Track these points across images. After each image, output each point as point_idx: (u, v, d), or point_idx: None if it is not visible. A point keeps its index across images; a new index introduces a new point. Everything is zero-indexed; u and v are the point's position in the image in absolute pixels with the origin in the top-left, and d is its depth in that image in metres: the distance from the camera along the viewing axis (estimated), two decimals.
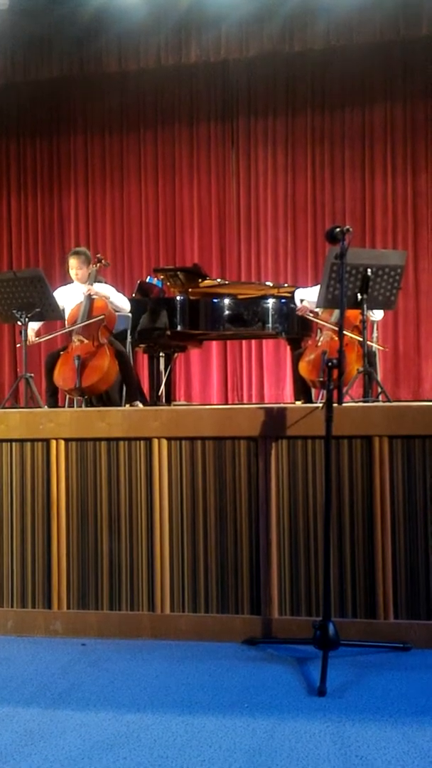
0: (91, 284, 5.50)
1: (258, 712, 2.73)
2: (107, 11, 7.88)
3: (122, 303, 5.62)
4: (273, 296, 6.37)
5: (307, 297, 5.78)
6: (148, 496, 3.64)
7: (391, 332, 8.64)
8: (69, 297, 5.62)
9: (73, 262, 5.70)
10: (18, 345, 5.01)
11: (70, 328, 5.31)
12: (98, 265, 5.62)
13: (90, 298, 5.38)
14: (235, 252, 9.21)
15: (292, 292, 6.15)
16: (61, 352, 5.38)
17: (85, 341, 5.26)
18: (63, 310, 5.53)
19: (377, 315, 5.63)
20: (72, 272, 5.70)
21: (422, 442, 3.43)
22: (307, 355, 5.49)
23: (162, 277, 6.70)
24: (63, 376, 5.21)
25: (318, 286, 5.10)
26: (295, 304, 5.95)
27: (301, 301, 5.82)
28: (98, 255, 5.75)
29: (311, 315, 5.61)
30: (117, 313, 5.57)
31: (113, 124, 9.49)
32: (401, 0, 7.63)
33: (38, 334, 5.72)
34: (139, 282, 6.78)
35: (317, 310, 5.47)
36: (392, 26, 7.77)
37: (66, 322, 5.49)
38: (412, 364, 8.70)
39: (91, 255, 5.77)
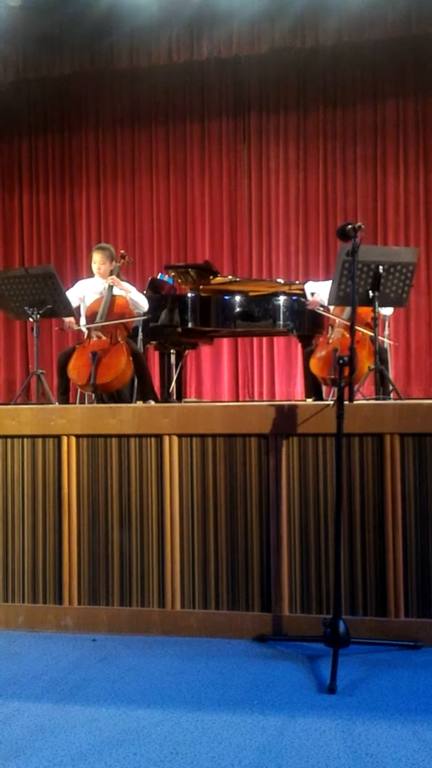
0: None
1: (268, 709, 2.73)
2: (118, 8, 7.88)
3: (142, 301, 5.61)
4: (284, 293, 6.35)
5: (319, 290, 5.76)
6: (158, 492, 3.64)
7: (403, 330, 8.60)
8: (89, 290, 5.64)
9: (97, 257, 5.69)
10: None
11: (103, 323, 5.26)
12: (122, 261, 5.63)
13: (111, 295, 5.38)
14: (247, 249, 9.19)
15: (304, 289, 6.13)
16: (77, 346, 5.37)
17: (103, 338, 5.23)
18: (83, 298, 5.62)
19: (387, 310, 5.60)
20: (95, 267, 5.70)
21: None
22: (318, 352, 5.47)
23: (173, 273, 6.69)
24: (77, 370, 5.17)
25: (329, 281, 5.09)
26: (306, 299, 5.94)
27: (312, 294, 5.81)
28: (122, 252, 5.76)
29: (322, 309, 5.58)
30: (135, 312, 5.57)
31: (124, 121, 9.49)
32: None
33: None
34: (150, 279, 6.77)
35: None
36: (404, 22, 7.72)
37: (84, 316, 5.50)
38: (424, 361, 8.67)
39: (115, 252, 5.77)
